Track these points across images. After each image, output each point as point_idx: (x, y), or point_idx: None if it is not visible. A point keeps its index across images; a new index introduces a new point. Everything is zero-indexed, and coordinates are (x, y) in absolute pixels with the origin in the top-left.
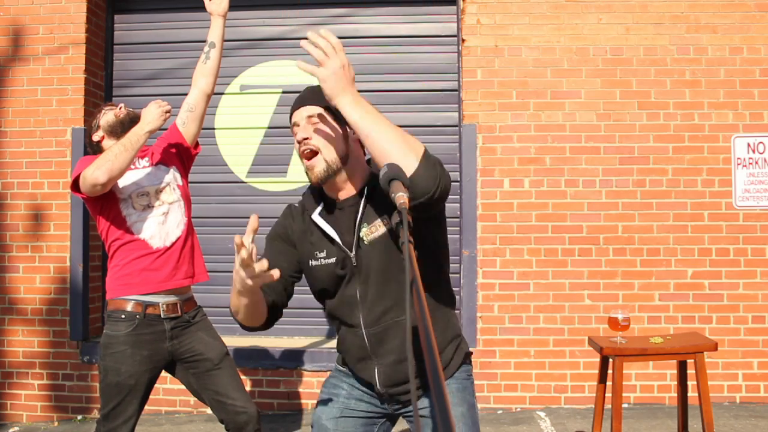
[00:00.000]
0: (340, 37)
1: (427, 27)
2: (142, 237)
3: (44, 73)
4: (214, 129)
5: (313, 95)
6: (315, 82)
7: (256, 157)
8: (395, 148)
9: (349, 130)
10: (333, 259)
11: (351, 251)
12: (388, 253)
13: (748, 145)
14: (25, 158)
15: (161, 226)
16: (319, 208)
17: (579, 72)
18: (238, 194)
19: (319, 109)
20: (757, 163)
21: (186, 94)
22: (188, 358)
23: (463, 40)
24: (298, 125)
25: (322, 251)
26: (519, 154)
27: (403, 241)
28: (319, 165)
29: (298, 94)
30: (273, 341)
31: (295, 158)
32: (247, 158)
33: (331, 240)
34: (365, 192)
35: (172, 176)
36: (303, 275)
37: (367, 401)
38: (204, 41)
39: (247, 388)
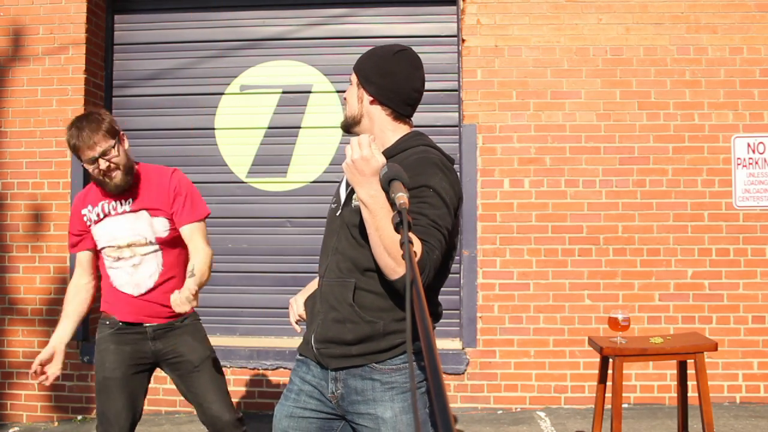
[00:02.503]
0: (340, 37)
1: (427, 27)
2: (114, 284)
3: (44, 73)
4: (214, 129)
5: (359, 61)
6: (316, 83)
7: (256, 157)
8: (386, 257)
9: (365, 95)
10: (335, 205)
11: (341, 201)
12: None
13: (748, 145)
14: (25, 158)
15: (130, 277)
16: None
17: (579, 72)
18: (238, 194)
19: (353, 76)
20: (757, 163)
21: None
22: (171, 359)
23: (463, 40)
24: None
25: (335, 198)
26: (519, 154)
27: (403, 241)
28: (343, 116)
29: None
30: (273, 341)
31: (295, 158)
32: (247, 158)
33: (340, 191)
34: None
35: (150, 227)
36: None
37: (317, 398)
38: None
39: (247, 388)
